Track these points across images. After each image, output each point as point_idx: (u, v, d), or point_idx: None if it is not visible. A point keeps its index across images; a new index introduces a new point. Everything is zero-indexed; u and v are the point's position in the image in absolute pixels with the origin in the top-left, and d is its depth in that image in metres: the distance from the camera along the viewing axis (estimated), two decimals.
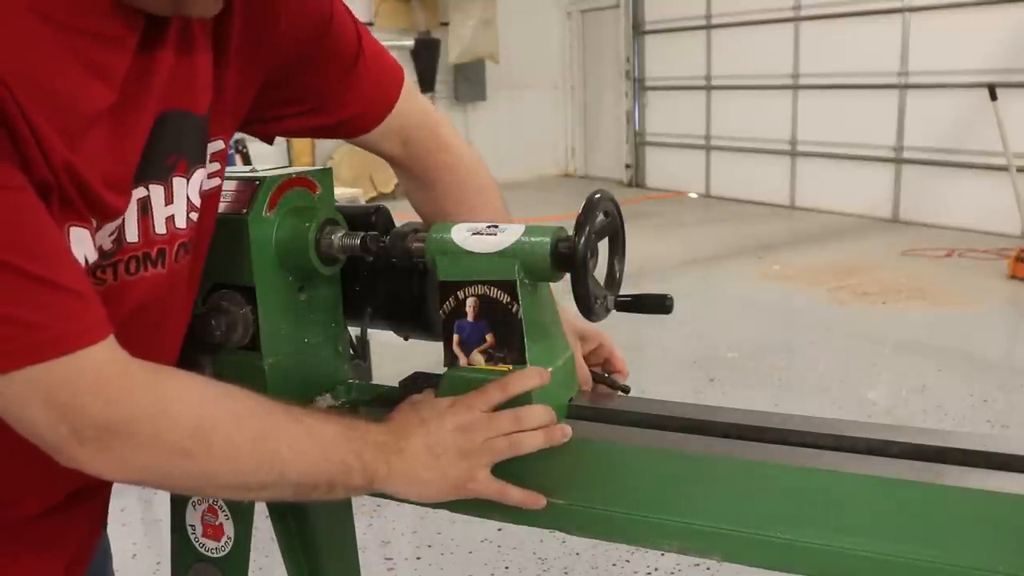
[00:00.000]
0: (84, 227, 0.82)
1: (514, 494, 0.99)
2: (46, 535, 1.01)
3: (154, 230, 0.92)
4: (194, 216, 0.98)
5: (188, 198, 0.96)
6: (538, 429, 0.99)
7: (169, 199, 0.93)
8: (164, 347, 1.02)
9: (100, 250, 0.86)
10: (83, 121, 0.79)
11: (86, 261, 0.84)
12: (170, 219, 0.94)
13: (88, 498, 1.05)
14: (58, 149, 0.76)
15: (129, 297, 0.91)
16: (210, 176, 1.01)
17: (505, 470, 1.03)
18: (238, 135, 1.18)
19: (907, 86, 8.15)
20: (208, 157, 1.00)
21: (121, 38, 0.82)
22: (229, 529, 1.23)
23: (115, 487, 1.53)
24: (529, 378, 1.01)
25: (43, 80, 0.75)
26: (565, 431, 1.00)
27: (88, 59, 0.79)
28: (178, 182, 0.94)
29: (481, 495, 0.99)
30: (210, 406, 0.87)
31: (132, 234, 0.90)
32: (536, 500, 1.00)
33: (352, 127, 1.15)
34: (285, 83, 1.06)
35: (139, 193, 0.90)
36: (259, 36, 0.99)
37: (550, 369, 1.04)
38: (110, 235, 0.88)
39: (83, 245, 0.83)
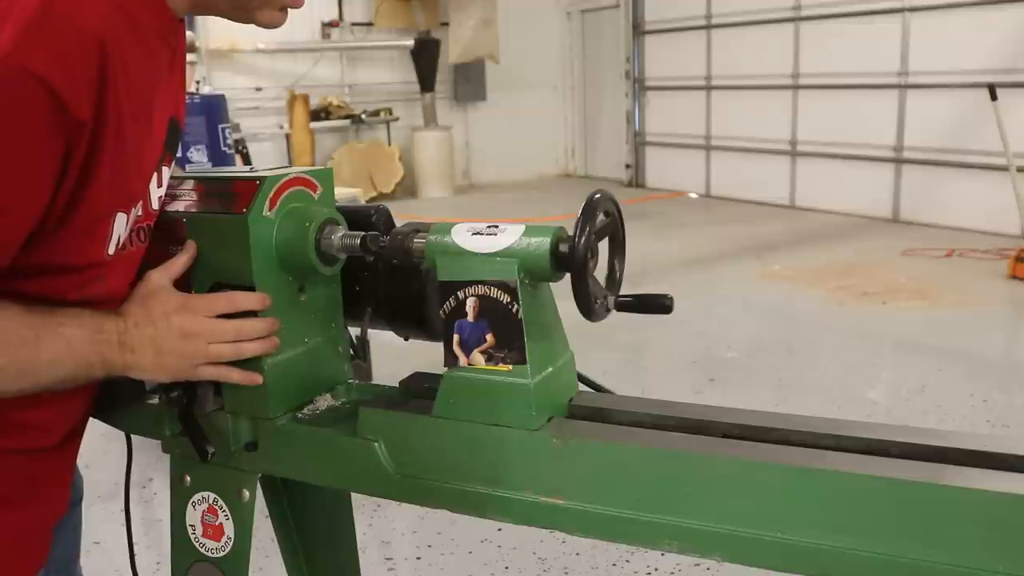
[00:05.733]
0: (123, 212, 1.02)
1: (234, 375, 1.14)
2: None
3: (151, 206, 1.11)
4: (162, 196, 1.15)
5: (164, 182, 1.14)
6: (257, 340, 1.13)
7: (160, 182, 1.12)
8: None
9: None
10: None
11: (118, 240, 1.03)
12: (159, 198, 1.13)
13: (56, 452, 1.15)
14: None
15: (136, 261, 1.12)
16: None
17: (504, 467, 1.04)
18: (237, 135, 1.29)
19: (907, 86, 8.16)
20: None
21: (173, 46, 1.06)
22: (229, 529, 1.23)
23: (113, 488, 1.52)
24: (253, 299, 1.13)
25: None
26: (275, 343, 1.15)
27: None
28: (165, 170, 1.13)
29: (203, 378, 1.14)
30: None
31: (138, 208, 1.08)
32: (253, 378, 1.15)
33: None
34: None
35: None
36: None
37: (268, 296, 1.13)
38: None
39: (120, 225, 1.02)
